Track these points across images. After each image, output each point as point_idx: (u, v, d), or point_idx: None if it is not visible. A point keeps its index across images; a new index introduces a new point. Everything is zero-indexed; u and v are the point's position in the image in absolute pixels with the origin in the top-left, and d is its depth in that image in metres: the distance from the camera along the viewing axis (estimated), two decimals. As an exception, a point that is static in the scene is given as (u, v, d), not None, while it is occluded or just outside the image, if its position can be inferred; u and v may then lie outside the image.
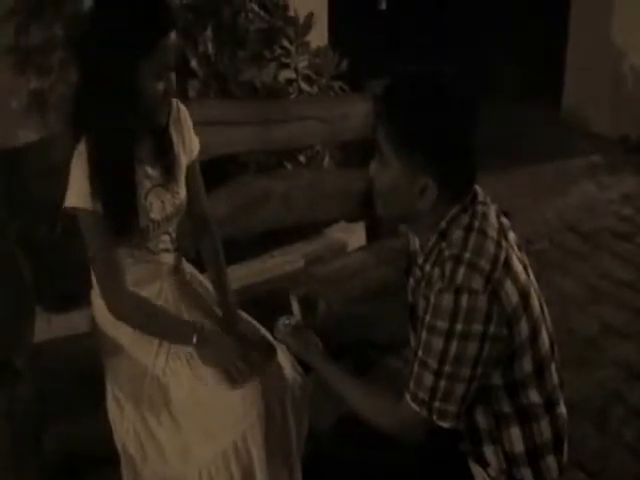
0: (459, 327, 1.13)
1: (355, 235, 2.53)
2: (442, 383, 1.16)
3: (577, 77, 4.33)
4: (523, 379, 1.22)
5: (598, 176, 3.75)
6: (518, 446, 1.25)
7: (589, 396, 2.13)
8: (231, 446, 1.42)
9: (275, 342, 1.55)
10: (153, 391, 1.48)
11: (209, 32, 2.59)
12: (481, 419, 1.25)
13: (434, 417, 1.18)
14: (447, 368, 1.15)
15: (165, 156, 1.50)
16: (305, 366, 1.55)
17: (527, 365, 1.22)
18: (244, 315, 1.65)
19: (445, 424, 1.19)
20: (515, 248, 1.25)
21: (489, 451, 1.28)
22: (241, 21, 2.65)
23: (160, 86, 1.36)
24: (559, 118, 4.40)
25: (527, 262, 1.28)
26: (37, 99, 2.55)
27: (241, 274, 2.35)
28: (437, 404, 1.17)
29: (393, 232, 2.34)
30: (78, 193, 1.39)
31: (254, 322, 1.64)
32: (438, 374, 1.16)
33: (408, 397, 1.21)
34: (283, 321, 1.46)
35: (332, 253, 2.69)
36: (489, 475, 1.29)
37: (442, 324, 1.14)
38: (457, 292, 1.13)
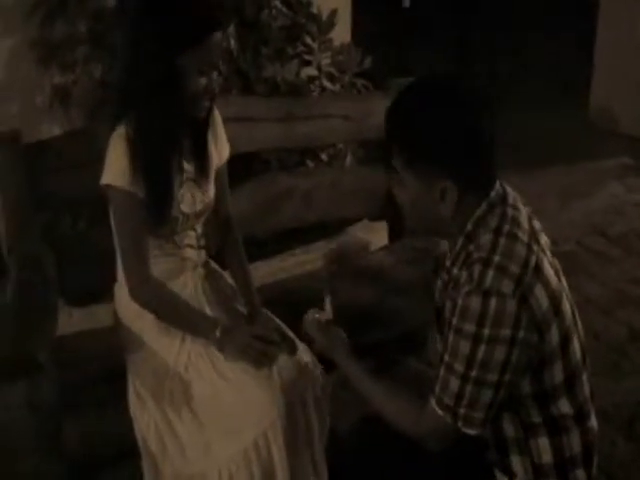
0: (487, 331, 1.11)
1: (378, 234, 2.51)
2: (468, 388, 1.13)
3: (605, 77, 4.28)
4: (553, 388, 1.19)
5: (627, 178, 3.69)
6: (546, 457, 1.22)
7: (617, 404, 2.09)
8: (252, 444, 1.42)
9: (297, 340, 1.55)
10: (175, 387, 1.48)
11: (232, 29, 2.59)
12: (509, 428, 1.22)
13: (459, 424, 1.16)
14: (474, 373, 1.12)
15: (200, 152, 1.54)
16: (326, 365, 1.54)
17: (558, 374, 1.19)
18: (267, 313, 1.65)
19: (471, 431, 1.16)
20: (547, 252, 1.22)
21: (516, 461, 1.24)
22: (264, 18, 2.66)
23: (202, 82, 1.41)
24: (587, 119, 4.35)
25: (559, 267, 1.25)
26: (61, 94, 2.57)
27: (262, 272, 2.35)
28: (462, 410, 1.15)
29: (415, 232, 2.32)
30: (116, 172, 1.42)
31: (277, 320, 1.63)
32: (464, 378, 1.13)
33: (433, 402, 1.18)
34: (312, 314, 1.45)
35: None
36: None
37: (469, 327, 1.12)
38: (485, 295, 1.10)
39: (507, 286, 1.11)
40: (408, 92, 1.21)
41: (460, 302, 1.14)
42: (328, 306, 1.44)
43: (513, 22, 4.61)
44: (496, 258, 1.13)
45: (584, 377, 1.24)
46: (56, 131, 2.48)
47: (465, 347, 1.12)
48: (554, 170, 3.65)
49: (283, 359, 1.48)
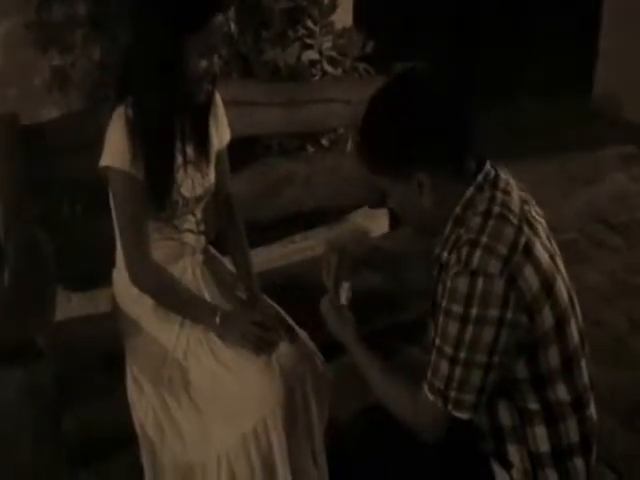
0: (474, 311, 1.10)
1: (378, 221, 2.50)
2: (457, 370, 1.13)
3: (610, 62, 4.22)
4: (550, 373, 1.19)
5: (631, 166, 3.65)
6: (543, 446, 1.21)
7: (618, 394, 2.07)
8: (251, 432, 1.41)
9: (297, 327, 1.54)
10: (173, 373, 1.47)
11: (232, 11, 2.55)
12: (505, 416, 1.22)
13: (450, 407, 1.15)
14: (462, 354, 1.12)
15: (201, 136, 1.53)
16: (327, 354, 1.54)
17: (554, 358, 1.18)
18: (267, 299, 1.64)
19: (462, 415, 1.15)
20: (543, 236, 1.21)
21: (513, 450, 1.24)
22: (265, 0, 2.61)
23: (203, 64, 1.40)
24: (590, 106, 4.30)
25: (557, 252, 1.24)
26: (59, 76, 2.54)
27: (262, 258, 2.34)
28: (453, 393, 1.15)
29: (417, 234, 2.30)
30: (115, 154, 1.41)
31: (276, 306, 1.62)
32: (453, 361, 1.13)
33: (426, 388, 1.18)
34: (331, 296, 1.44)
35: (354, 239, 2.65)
36: (512, 478, 1.25)
37: (457, 308, 1.12)
38: (473, 275, 1.10)
39: (494, 266, 1.10)
40: (370, 105, 1.22)
41: (449, 284, 1.14)
42: (344, 293, 1.43)
43: (517, 5, 4.54)
44: (484, 239, 1.13)
45: (582, 363, 1.23)
46: (54, 114, 2.46)
47: (453, 328, 1.12)
48: (556, 158, 3.60)
49: (283, 346, 1.48)
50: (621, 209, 3.21)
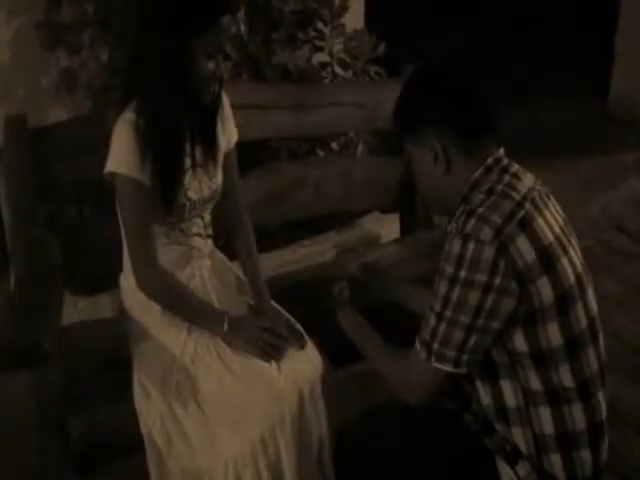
0: (462, 274, 1.16)
1: (389, 227, 2.48)
2: (442, 326, 1.19)
3: (627, 65, 4.15)
4: (551, 351, 1.20)
5: (649, 172, 3.60)
6: (548, 427, 1.22)
7: (634, 406, 2.03)
8: (259, 439, 1.40)
9: (305, 333, 1.53)
10: (181, 380, 1.46)
11: (242, 13, 2.54)
12: (509, 396, 1.24)
13: (432, 359, 1.21)
14: (447, 313, 1.18)
15: (208, 138, 1.52)
16: (335, 361, 1.52)
17: (555, 336, 1.20)
18: (276, 305, 1.62)
19: (443, 367, 1.20)
20: (550, 219, 1.24)
21: (518, 433, 1.25)
22: (275, 2, 2.60)
23: (210, 66, 1.40)
24: (607, 108, 4.24)
25: (572, 237, 1.28)
26: (67, 77, 2.53)
27: (271, 264, 2.32)
28: (436, 346, 1.20)
29: (428, 225, 2.29)
30: (121, 160, 1.40)
31: (285, 312, 1.61)
32: (439, 317, 1.20)
33: (417, 341, 1.24)
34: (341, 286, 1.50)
35: (365, 245, 2.65)
36: (517, 474, 1.25)
37: (449, 269, 1.18)
38: (465, 239, 1.16)
39: (486, 234, 1.15)
40: (410, 78, 1.34)
41: (446, 247, 1.20)
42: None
43: (530, 6, 4.51)
44: (480, 209, 1.19)
45: (590, 352, 1.24)
46: (62, 116, 2.45)
47: (443, 288, 1.19)
48: (571, 163, 3.56)
49: (291, 353, 1.47)
50: (637, 216, 3.16)
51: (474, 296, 1.16)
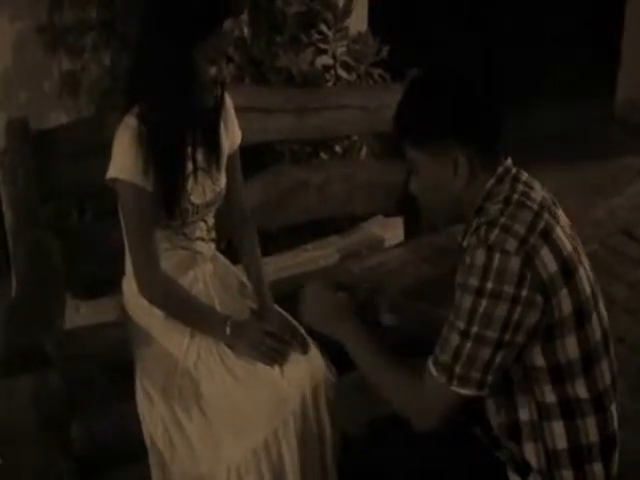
0: (489, 285, 1.11)
1: (393, 230, 2.47)
2: (468, 344, 1.13)
3: (633, 69, 4.13)
4: (569, 364, 1.18)
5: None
6: (561, 443, 1.20)
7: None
8: (262, 444, 1.39)
9: (309, 337, 1.52)
10: (184, 384, 1.45)
11: (245, 15, 2.53)
12: (523, 410, 1.21)
13: (454, 383, 1.14)
14: (474, 328, 1.12)
15: (211, 141, 1.51)
16: (339, 367, 1.51)
17: (572, 349, 1.17)
18: (279, 309, 1.62)
19: (464, 391, 1.14)
20: (565, 226, 1.23)
21: (530, 448, 1.22)
22: (278, 4, 2.60)
23: (212, 70, 1.40)
24: (613, 113, 4.22)
25: (580, 245, 1.25)
26: (69, 81, 2.53)
27: (275, 267, 2.32)
28: (459, 369, 1.14)
29: (433, 228, 2.28)
30: (123, 165, 1.40)
31: (288, 316, 1.60)
32: (465, 334, 1.13)
33: (430, 363, 1.18)
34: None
35: (368, 248, 2.64)
36: None
37: (473, 281, 1.13)
38: (489, 250, 1.12)
39: (511, 244, 1.12)
40: (412, 83, 1.29)
41: (467, 260, 1.15)
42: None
43: (537, 8, 4.47)
44: (502, 219, 1.16)
45: (605, 364, 1.22)
46: (64, 119, 2.45)
47: (467, 301, 1.13)
48: (577, 167, 3.53)
49: (294, 357, 1.46)
50: (643, 220, 3.15)
51: (502, 308, 1.11)
